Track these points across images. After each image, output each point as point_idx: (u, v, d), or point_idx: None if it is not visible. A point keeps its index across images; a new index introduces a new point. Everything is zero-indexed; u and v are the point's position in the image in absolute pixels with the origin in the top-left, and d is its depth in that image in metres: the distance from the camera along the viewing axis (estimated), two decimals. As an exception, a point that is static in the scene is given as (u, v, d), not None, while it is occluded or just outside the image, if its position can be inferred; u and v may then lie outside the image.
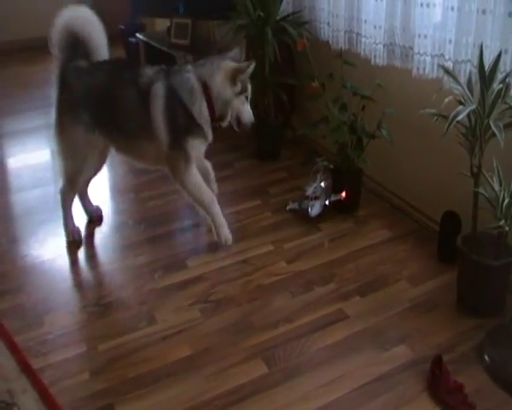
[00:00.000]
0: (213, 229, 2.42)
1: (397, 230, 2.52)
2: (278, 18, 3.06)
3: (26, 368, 1.82)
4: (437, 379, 1.73)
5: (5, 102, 4.28)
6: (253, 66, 2.30)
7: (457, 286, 2.08)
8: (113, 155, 3.09)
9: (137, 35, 4.39)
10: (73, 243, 2.48)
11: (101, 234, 2.61)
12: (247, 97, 2.38)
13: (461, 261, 2.05)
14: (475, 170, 1.93)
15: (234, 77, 2.27)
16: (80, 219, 2.62)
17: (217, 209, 2.40)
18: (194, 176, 2.34)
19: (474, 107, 1.82)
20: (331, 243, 2.46)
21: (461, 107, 1.84)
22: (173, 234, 2.59)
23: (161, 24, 4.65)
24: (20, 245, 2.55)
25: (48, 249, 2.46)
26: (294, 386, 1.77)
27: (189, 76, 2.28)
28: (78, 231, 2.51)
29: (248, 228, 2.58)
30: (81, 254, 2.45)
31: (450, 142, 1.94)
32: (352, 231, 2.54)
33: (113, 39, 5.18)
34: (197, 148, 2.33)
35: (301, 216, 2.61)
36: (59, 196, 2.48)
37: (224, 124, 2.39)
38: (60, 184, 2.47)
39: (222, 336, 1.97)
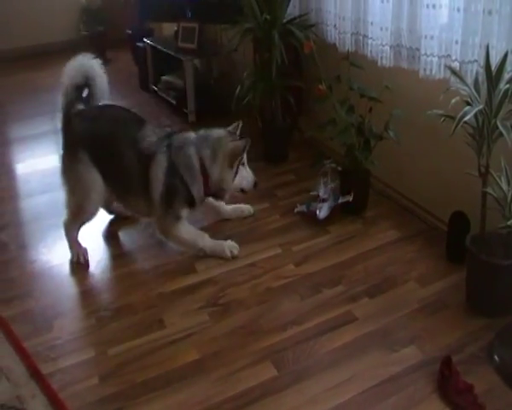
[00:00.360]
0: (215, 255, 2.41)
1: (405, 230, 2.51)
2: (285, 21, 3.07)
3: (35, 373, 1.84)
4: (446, 380, 1.71)
5: (13, 108, 4.32)
6: (248, 144, 2.33)
7: (466, 286, 2.07)
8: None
9: (145, 40, 4.42)
10: (78, 265, 2.42)
11: (109, 238, 2.62)
12: (243, 163, 2.40)
13: (470, 261, 2.04)
14: (483, 170, 1.91)
15: (232, 162, 2.32)
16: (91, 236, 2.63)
17: (210, 243, 2.40)
18: (182, 230, 2.36)
19: (481, 107, 1.81)
20: (339, 244, 2.46)
21: (468, 107, 1.83)
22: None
23: (169, 28, 4.68)
24: (29, 251, 2.56)
25: (56, 255, 2.47)
26: (303, 389, 1.76)
27: (191, 154, 2.31)
28: (84, 252, 2.46)
29: (256, 231, 2.58)
30: (90, 258, 2.46)
31: (458, 142, 1.94)
32: (360, 233, 2.53)
33: (121, 44, 5.31)
34: (185, 211, 2.36)
35: (309, 218, 2.61)
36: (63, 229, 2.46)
37: (224, 199, 2.48)
38: (64, 215, 2.45)
39: (231, 339, 1.97)
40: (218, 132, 2.39)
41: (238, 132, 2.43)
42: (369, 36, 2.59)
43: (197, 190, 2.32)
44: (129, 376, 1.84)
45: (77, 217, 2.43)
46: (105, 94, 2.51)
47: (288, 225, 2.60)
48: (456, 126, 1.80)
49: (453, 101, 1.90)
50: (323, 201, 2.60)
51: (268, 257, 2.38)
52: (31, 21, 5.41)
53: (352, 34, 2.75)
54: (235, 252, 2.40)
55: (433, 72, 2.25)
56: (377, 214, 2.64)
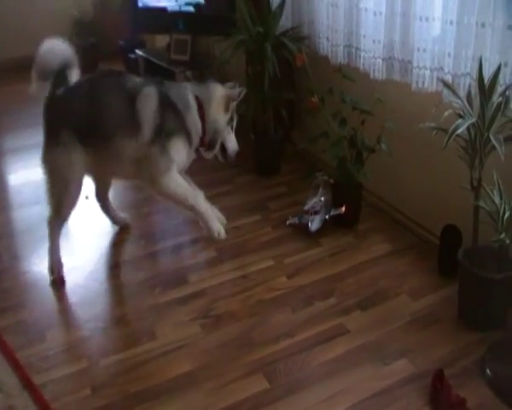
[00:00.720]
0: (202, 224, 2.39)
1: (397, 244, 2.52)
2: (277, 33, 3.09)
3: (27, 384, 1.82)
4: (439, 393, 1.72)
5: (5, 118, 4.30)
6: (244, 92, 2.40)
7: (458, 300, 2.08)
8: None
9: (137, 51, 4.43)
10: (55, 283, 2.33)
11: (102, 250, 2.61)
12: (232, 127, 2.44)
13: (462, 275, 2.05)
14: (475, 183, 1.93)
15: (227, 104, 2.36)
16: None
17: (203, 204, 2.38)
18: (175, 180, 2.29)
19: (473, 120, 1.83)
20: (332, 257, 2.46)
21: (460, 120, 1.85)
22: (173, 249, 2.58)
23: (161, 40, 4.69)
24: (22, 261, 2.55)
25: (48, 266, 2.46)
26: (295, 401, 1.76)
27: (187, 92, 2.32)
28: (60, 267, 2.36)
29: (248, 243, 2.58)
30: (81, 270, 2.44)
31: (450, 155, 1.95)
32: (352, 246, 2.54)
33: (113, 55, 5.31)
34: (181, 152, 2.30)
35: (301, 231, 2.61)
36: (47, 227, 2.38)
37: (210, 154, 2.45)
38: (47, 213, 2.37)
39: (222, 351, 1.96)
40: (213, 81, 2.46)
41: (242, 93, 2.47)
42: (362, 48, 2.61)
43: (192, 120, 2.30)
44: (121, 387, 1.83)
45: (59, 213, 2.34)
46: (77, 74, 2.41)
47: (280, 238, 2.60)
48: (448, 139, 1.82)
49: (446, 114, 1.92)
50: (315, 213, 2.61)
51: (260, 269, 2.38)
52: (23, 32, 5.38)
53: (344, 46, 2.76)
54: (222, 236, 2.39)
55: (426, 84, 2.27)
56: (369, 227, 2.66)
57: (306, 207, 2.66)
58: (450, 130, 1.83)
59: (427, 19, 2.22)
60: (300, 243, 2.56)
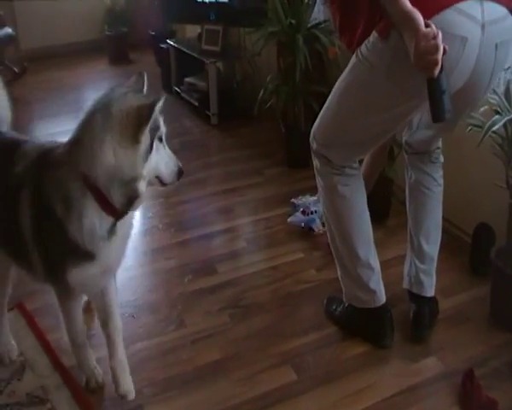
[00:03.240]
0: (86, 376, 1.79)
1: (427, 241, 2.49)
2: (309, 25, 3.08)
3: (58, 366, 1.86)
4: (469, 394, 1.69)
5: (37, 106, 4.37)
6: (162, 100, 1.37)
7: (491, 300, 2.05)
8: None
9: (168, 41, 4.45)
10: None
11: (132, 237, 2.63)
12: (161, 138, 1.45)
13: (495, 275, 2.02)
14: (511, 181, 1.90)
15: (137, 130, 1.33)
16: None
17: (88, 355, 1.76)
18: (72, 313, 1.68)
19: (511, 116, 1.79)
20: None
21: (497, 116, 1.82)
22: (203, 239, 2.60)
23: (191, 30, 4.70)
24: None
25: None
26: (323, 394, 1.76)
27: (62, 174, 1.40)
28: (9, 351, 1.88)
29: (278, 235, 2.58)
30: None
31: (485, 152, 1.92)
32: (381, 242, 2.50)
33: (144, 45, 5.35)
34: (85, 277, 1.50)
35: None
36: None
37: (139, 203, 1.45)
38: None
39: (251, 341, 1.97)
40: (104, 100, 1.41)
41: (145, 88, 1.52)
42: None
43: (78, 226, 1.40)
44: (149, 373, 1.85)
45: None
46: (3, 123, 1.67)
47: (310, 231, 2.59)
48: (484, 136, 1.80)
49: (481, 110, 1.89)
50: (311, 213, 2.58)
51: (289, 261, 2.38)
52: (56, 21, 5.47)
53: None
54: (130, 397, 1.71)
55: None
56: (399, 224, 2.61)
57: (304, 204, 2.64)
58: (486, 126, 1.80)
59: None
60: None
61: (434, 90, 1.37)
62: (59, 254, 1.45)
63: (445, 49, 1.33)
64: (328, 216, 1.90)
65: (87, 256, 1.44)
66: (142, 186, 1.40)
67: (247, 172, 3.14)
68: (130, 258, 2.42)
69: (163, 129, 1.45)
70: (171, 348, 1.95)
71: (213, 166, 3.28)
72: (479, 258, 2.23)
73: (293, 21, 3.00)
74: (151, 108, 1.34)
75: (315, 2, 3.09)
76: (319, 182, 1.89)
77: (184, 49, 4.20)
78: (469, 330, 1.99)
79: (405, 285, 2.01)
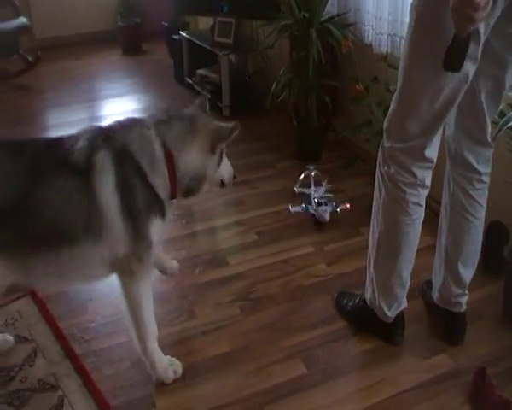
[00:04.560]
0: (148, 365, 1.77)
1: (439, 238, 2.48)
2: (323, 19, 3.06)
3: (69, 353, 1.88)
4: (480, 392, 1.69)
5: (52, 95, 4.39)
6: (238, 129, 1.67)
7: (503, 298, 2.03)
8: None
9: (180, 32, 4.44)
10: None
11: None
12: (224, 152, 1.78)
13: (508, 273, 2.00)
14: (527, 179, 1.88)
15: (213, 147, 1.67)
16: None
17: (155, 346, 1.76)
18: (149, 287, 1.73)
19: (527, 113, 1.77)
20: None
21: (513, 112, 1.79)
22: (214, 230, 2.61)
23: (204, 22, 4.70)
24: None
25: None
26: (333, 388, 1.76)
27: (151, 136, 1.61)
28: None
29: (288, 228, 2.58)
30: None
31: (499, 149, 1.90)
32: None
33: (156, 36, 5.36)
34: (159, 231, 1.67)
35: (341, 219, 2.59)
36: None
37: (199, 192, 1.77)
38: None
39: (261, 334, 1.97)
40: (185, 113, 1.73)
41: (207, 108, 1.84)
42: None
43: (161, 182, 1.61)
44: (160, 363, 1.86)
45: None
46: None
47: (320, 225, 2.59)
48: (498, 132, 1.78)
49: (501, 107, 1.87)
50: (324, 204, 2.60)
51: (300, 255, 2.38)
52: (70, 11, 5.49)
53: (388, 35, 2.72)
54: (168, 381, 1.78)
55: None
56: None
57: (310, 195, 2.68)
58: (501, 122, 1.78)
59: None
60: (340, 230, 2.55)
61: (456, 43, 1.33)
62: (144, 208, 1.58)
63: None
64: (382, 230, 1.76)
65: (162, 212, 1.65)
66: (205, 186, 1.77)
67: (259, 165, 3.14)
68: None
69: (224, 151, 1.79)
70: (181, 339, 1.96)
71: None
72: (492, 256, 2.21)
73: (306, 15, 2.98)
74: (230, 132, 1.67)
75: (328, -4, 3.07)
76: (384, 192, 1.72)
77: (197, 41, 4.20)
78: (481, 328, 1.98)
79: (436, 301, 1.96)
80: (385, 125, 1.69)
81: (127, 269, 1.64)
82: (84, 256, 1.57)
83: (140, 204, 1.58)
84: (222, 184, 1.85)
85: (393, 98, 1.64)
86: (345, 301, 2.04)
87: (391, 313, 1.85)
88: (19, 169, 1.51)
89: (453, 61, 1.35)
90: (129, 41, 5.43)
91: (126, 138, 1.58)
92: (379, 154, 1.73)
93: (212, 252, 2.42)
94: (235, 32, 3.93)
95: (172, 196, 1.68)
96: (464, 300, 1.91)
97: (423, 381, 1.78)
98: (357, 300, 1.98)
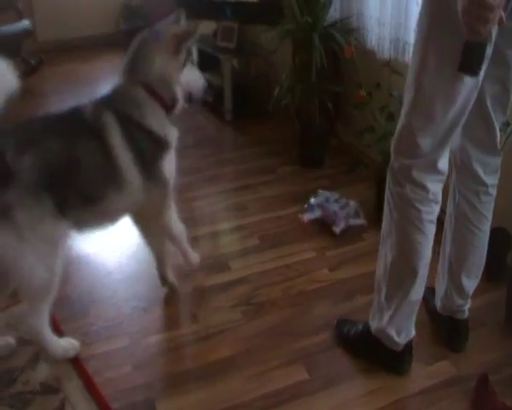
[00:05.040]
0: (184, 257, 2.16)
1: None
2: (326, 24, 3.07)
3: (72, 357, 1.87)
4: (483, 400, 1.68)
5: (55, 98, 4.39)
6: (197, 27, 1.88)
7: (506, 306, 2.03)
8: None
9: (183, 36, 4.45)
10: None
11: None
12: (192, 61, 1.91)
13: (510, 280, 2.00)
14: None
15: (177, 47, 1.81)
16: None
17: (186, 242, 2.13)
18: (174, 211, 2.02)
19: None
20: (374, 253, 2.40)
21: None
22: (216, 235, 2.60)
23: (206, 26, 4.70)
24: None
25: (92, 243, 2.50)
26: (335, 394, 1.76)
27: (124, 85, 1.84)
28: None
29: (290, 233, 2.58)
30: (124, 250, 2.48)
31: (505, 155, 1.90)
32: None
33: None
34: (170, 164, 1.90)
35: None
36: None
37: (178, 108, 1.90)
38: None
39: (263, 339, 1.97)
40: (150, 30, 1.91)
41: (183, 22, 1.94)
42: (411, 42, 2.56)
43: (153, 119, 1.81)
44: (161, 367, 1.87)
45: (43, 301, 1.77)
46: None
47: (323, 230, 2.59)
48: (507, 137, 1.78)
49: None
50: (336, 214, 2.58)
51: (302, 260, 2.38)
52: (73, 14, 5.51)
53: (391, 40, 2.73)
54: (197, 260, 2.19)
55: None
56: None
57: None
58: (509, 130, 1.78)
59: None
60: (343, 236, 2.54)
61: (470, 48, 1.25)
62: (152, 152, 1.81)
63: (501, 18, 1.19)
64: (395, 254, 1.67)
65: (167, 145, 1.85)
66: (179, 91, 1.87)
67: (261, 170, 3.14)
68: (143, 252, 2.43)
69: (195, 55, 1.93)
70: (183, 343, 1.96)
71: (227, 163, 3.28)
72: (494, 263, 2.20)
73: (309, 19, 2.99)
74: (191, 32, 1.86)
75: (331, 1, 3.08)
76: (396, 214, 1.64)
77: (199, 46, 4.19)
78: (484, 335, 1.97)
79: (438, 310, 1.94)
80: (394, 143, 1.61)
81: (152, 212, 1.94)
82: (113, 204, 1.82)
83: (146, 151, 1.80)
84: (189, 95, 1.95)
85: (403, 113, 1.57)
86: (346, 330, 1.94)
87: (401, 341, 1.76)
88: (59, 139, 1.70)
89: (470, 64, 1.29)
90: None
91: (114, 99, 1.82)
92: (388, 176, 1.65)
93: (214, 256, 2.42)
94: (238, 37, 3.94)
95: (168, 113, 1.87)
96: (467, 307, 1.90)
97: (426, 387, 1.77)
98: (360, 328, 1.89)
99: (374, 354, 1.84)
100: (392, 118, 2.54)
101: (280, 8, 3.32)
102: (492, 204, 1.78)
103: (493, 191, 1.75)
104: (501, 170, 2.22)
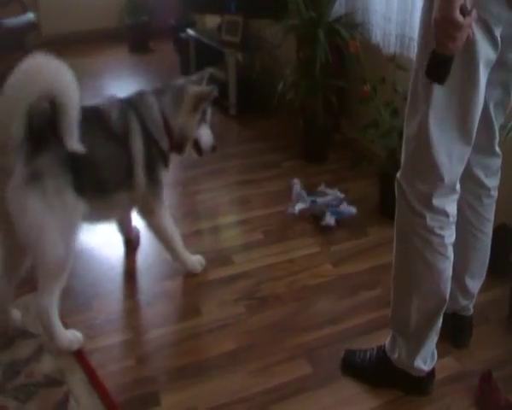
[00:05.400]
0: (179, 264, 2.26)
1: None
2: (330, 19, 3.06)
3: (76, 350, 1.87)
4: (486, 396, 1.68)
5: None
6: (216, 91, 2.17)
7: (510, 302, 2.02)
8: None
9: (188, 31, 4.44)
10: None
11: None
12: (205, 120, 2.24)
13: (514, 276, 2.00)
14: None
15: (196, 106, 2.13)
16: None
17: (181, 247, 2.25)
18: (168, 213, 2.20)
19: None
20: (378, 248, 2.43)
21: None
22: (220, 229, 2.61)
23: (211, 20, 4.70)
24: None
25: (97, 236, 2.51)
26: (338, 388, 1.76)
27: (153, 105, 2.08)
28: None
29: (295, 228, 2.57)
30: (129, 243, 2.48)
31: (507, 152, 1.89)
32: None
33: (164, 34, 5.36)
34: (165, 177, 2.16)
35: (347, 219, 2.59)
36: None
37: (184, 154, 2.22)
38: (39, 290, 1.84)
39: (266, 333, 1.97)
40: (179, 81, 2.22)
41: (205, 82, 2.23)
42: (416, 39, 2.55)
43: (165, 143, 2.10)
44: (165, 360, 1.87)
45: (57, 279, 1.83)
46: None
47: (326, 225, 2.58)
48: (507, 134, 1.77)
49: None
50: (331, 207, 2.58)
51: (306, 255, 2.38)
52: (78, 8, 5.50)
53: (396, 36, 2.72)
54: (199, 269, 2.28)
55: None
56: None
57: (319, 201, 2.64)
58: (510, 125, 1.77)
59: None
60: (346, 231, 2.54)
61: (437, 58, 1.26)
62: (158, 161, 2.09)
63: (469, 35, 1.21)
64: (421, 294, 1.57)
65: (166, 162, 2.14)
66: (188, 146, 2.22)
67: (265, 165, 3.14)
68: (147, 245, 2.45)
69: (209, 115, 2.25)
70: (186, 337, 1.96)
71: (231, 158, 3.28)
72: (498, 259, 2.19)
73: (313, 14, 2.98)
74: (208, 94, 2.15)
75: (336, -4, 3.07)
76: (419, 246, 1.52)
77: (204, 40, 4.20)
78: (487, 331, 1.97)
79: None
80: (406, 166, 1.50)
81: (148, 209, 2.14)
82: (121, 199, 2.04)
83: (154, 156, 2.07)
84: (199, 150, 2.27)
85: (412, 135, 1.45)
86: (358, 360, 1.81)
87: (428, 368, 1.68)
88: (85, 134, 1.76)
89: (437, 73, 1.29)
90: (136, 39, 5.44)
91: (141, 108, 2.05)
92: (400, 205, 1.54)
93: (217, 250, 2.42)
94: (243, 31, 3.93)
95: (170, 149, 2.14)
96: (471, 304, 1.89)
97: (429, 383, 1.78)
98: (375, 356, 1.77)
99: (397, 383, 1.73)
100: (396, 113, 2.54)
101: (284, 2, 3.31)
102: (494, 206, 1.74)
103: (495, 193, 1.72)
104: (503, 167, 2.21)
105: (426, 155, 1.42)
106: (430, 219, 1.48)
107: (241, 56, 4.06)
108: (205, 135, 2.25)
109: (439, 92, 1.36)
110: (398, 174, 1.55)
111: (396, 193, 1.57)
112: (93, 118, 1.94)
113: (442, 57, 1.25)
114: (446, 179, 1.44)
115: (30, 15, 4.65)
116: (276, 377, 1.79)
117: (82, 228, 1.90)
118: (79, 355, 1.86)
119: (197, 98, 2.12)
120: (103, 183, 1.95)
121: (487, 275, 2.20)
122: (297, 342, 1.93)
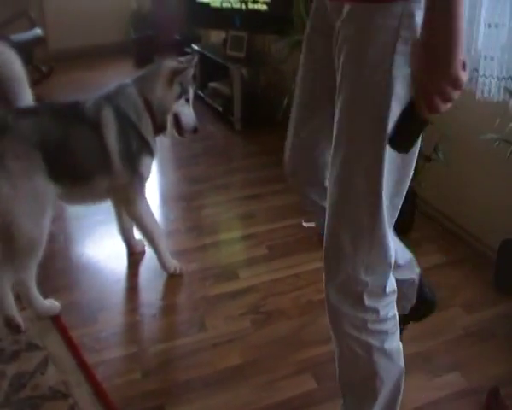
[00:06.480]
0: (159, 260, 2.32)
1: (451, 255, 2.46)
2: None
3: (81, 363, 1.87)
4: (493, 412, 1.67)
5: (63, 105, 4.43)
6: (194, 62, 2.25)
7: (516, 317, 2.02)
8: (165, 162, 3.09)
9: (193, 46, 4.48)
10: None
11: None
12: (187, 100, 2.26)
13: (521, 292, 1.99)
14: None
15: (171, 79, 2.17)
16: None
17: (163, 243, 2.32)
18: (147, 204, 2.25)
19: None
20: (383, 263, 2.43)
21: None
22: (225, 244, 2.62)
23: (216, 35, 4.74)
24: (77, 244, 2.64)
25: (103, 250, 2.52)
26: (343, 404, 1.75)
27: (132, 92, 2.15)
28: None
29: (300, 243, 2.57)
30: (134, 257, 2.49)
31: (509, 167, 1.90)
32: (404, 254, 2.50)
33: (169, 49, 5.40)
34: (148, 166, 2.22)
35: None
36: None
37: (167, 134, 2.27)
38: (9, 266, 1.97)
39: (272, 348, 1.97)
40: (157, 62, 2.31)
41: (193, 64, 2.27)
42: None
43: (145, 126, 2.15)
44: (170, 374, 1.86)
45: (32, 257, 1.95)
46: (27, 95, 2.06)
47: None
48: (510, 153, 1.78)
49: (511, 124, 1.87)
50: None
51: (311, 269, 2.37)
52: (84, 23, 5.55)
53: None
54: (178, 270, 2.33)
55: (492, 94, 2.20)
56: (423, 237, 2.61)
57: None
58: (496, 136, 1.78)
59: (496, 25, 2.17)
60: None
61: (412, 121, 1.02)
62: (136, 150, 2.13)
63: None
64: (389, 388, 1.48)
65: (150, 151, 2.19)
66: (168, 120, 2.22)
67: (270, 179, 3.14)
68: (153, 259, 2.45)
69: (191, 94, 2.28)
70: (192, 351, 1.96)
71: (236, 172, 3.29)
72: (504, 274, 2.20)
73: (319, 30, 3.00)
74: (182, 69, 2.18)
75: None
76: (382, 350, 1.41)
77: (209, 55, 4.23)
78: (494, 347, 1.96)
79: None
80: (360, 275, 1.25)
81: (127, 198, 2.20)
82: (97, 186, 2.12)
83: (133, 147, 2.12)
84: (179, 127, 2.28)
85: (367, 212, 1.19)
86: None
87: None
88: (57, 123, 2.01)
89: (405, 141, 1.05)
90: (141, 53, 5.48)
91: (118, 98, 2.12)
92: (345, 323, 1.37)
93: (222, 265, 2.42)
94: (248, 46, 3.96)
95: (155, 133, 2.21)
96: None
97: (435, 399, 1.76)
98: None
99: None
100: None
101: (289, 17, 3.34)
102: None
103: None
104: (507, 183, 2.22)
105: (377, 230, 1.25)
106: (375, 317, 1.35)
107: (246, 71, 4.08)
108: (186, 114, 2.27)
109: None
110: None
111: None
112: (67, 109, 2.12)
113: (421, 120, 1.00)
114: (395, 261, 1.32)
115: (37, 31, 4.70)
116: (281, 392, 1.79)
117: (56, 206, 2.05)
118: (85, 368, 1.85)
119: (172, 72, 2.17)
120: (77, 168, 2.07)
121: (493, 290, 2.21)
122: (302, 357, 1.92)
